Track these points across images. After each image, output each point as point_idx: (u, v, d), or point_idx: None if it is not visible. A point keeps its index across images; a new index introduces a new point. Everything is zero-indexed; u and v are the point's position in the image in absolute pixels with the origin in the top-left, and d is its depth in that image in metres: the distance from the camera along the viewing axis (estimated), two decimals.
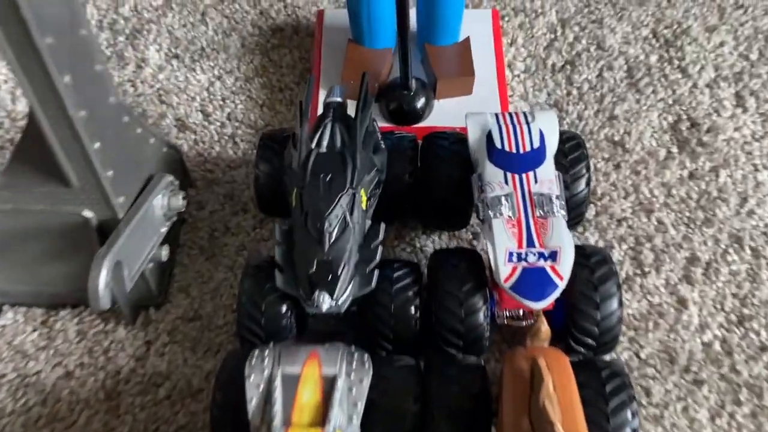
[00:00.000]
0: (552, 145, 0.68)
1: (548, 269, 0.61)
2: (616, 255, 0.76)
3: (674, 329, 0.71)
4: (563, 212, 0.64)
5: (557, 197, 0.64)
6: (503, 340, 0.72)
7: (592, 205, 0.80)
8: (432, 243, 0.78)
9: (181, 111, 0.89)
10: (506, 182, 0.65)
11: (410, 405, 0.58)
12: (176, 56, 0.94)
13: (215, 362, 0.70)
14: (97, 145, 0.57)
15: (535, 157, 0.66)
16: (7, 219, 0.63)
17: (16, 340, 0.72)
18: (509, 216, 0.64)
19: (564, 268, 0.61)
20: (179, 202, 0.70)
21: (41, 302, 0.73)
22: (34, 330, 0.73)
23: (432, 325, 0.64)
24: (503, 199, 0.64)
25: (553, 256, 0.62)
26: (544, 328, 0.57)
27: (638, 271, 0.75)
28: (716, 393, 0.67)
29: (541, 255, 0.62)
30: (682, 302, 0.73)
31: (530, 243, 0.62)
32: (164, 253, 0.69)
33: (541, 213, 0.64)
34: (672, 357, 0.70)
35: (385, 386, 0.59)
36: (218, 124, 0.88)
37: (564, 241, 0.62)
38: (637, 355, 0.70)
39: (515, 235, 0.63)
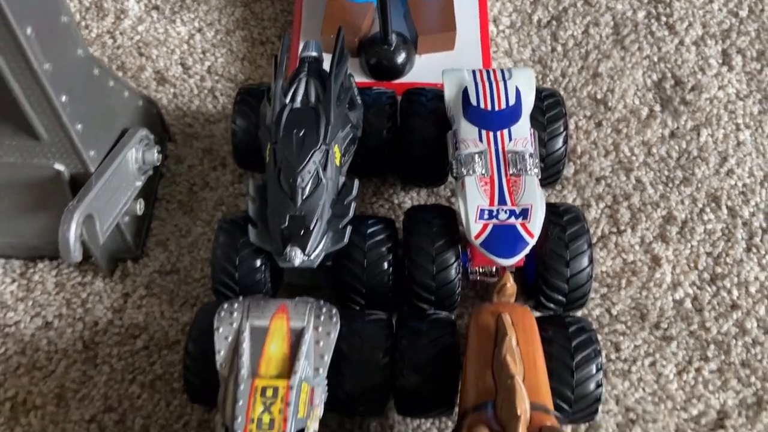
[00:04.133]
0: (528, 103, 0.68)
1: (519, 227, 0.61)
2: (593, 213, 0.77)
3: (647, 287, 0.72)
4: (536, 170, 0.64)
5: (531, 155, 0.64)
6: (477, 296, 0.73)
7: (571, 164, 0.80)
8: (410, 200, 0.78)
9: (160, 64, 0.88)
10: (480, 140, 0.65)
11: (380, 358, 0.59)
12: (156, 7, 0.93)
13: (192, 315, 0.71)
14: (63, 98, 0.56)
15: (511, 115, 0.66)
16: None
17: None
18: (482, 174, 0.64)
19: (534, 225, 0.61)
20: (154, 156, 0.70)
21: (19, 254, 0.74)
22: (13, 281, 0.73)
23: (405, 280, 0.65)
24: (477, 156, 0.64)
25: (524, 213, 0.62)
26: (510, 284, 0.58)
27: (614, 230, 0.76)
28: (684, 349, 0.69)
29: (512, 213, 0.62)
30: (656, 260, 0.74)
31: (502, 201, 0.62)
32: (139, 206, 0.69)
33: (514, 171, 0.63)
34: (643, 314, 0.71)
35: (356, 340, 0.60)
36: (198, 77, 0.88)
37: (536, 199, 0.62)
38: (609, 312, 0.71)
39: (487, 193, 0.63)
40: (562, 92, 0.85)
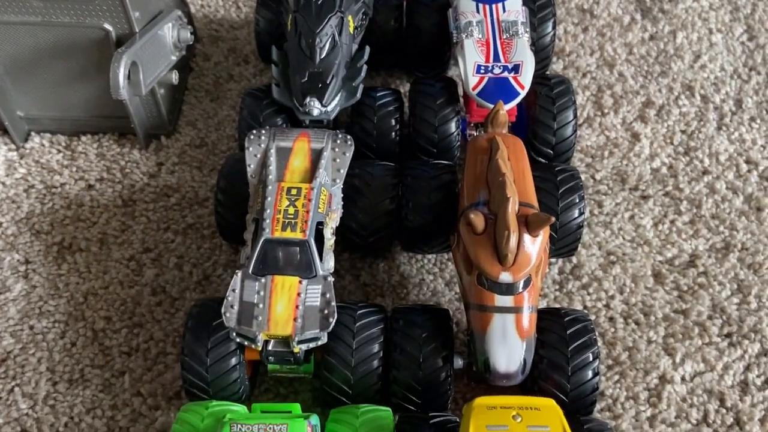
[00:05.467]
0: None
1: (511, 79, 0.70)
2: (579, 99, 0.85)
3: (627, 157, 0.80)
4: (527, 35, 0.73)
5: (522, 23, 0.73)
6: None
7: (560, 61, 0.89)
8: None
9: None
10: (478, 11, 0.74)
11: (388, 192, 0.67)
12: None
13: None
14: None
15: None
16: (36, 34, 0.72)
17: (43, 159, 0.81)
18: (479, 37, 0.72)
19: (525, 78, 0.70)
20: (187, 34, 0.78)
21: (64, 129, 0.82)
22: (59, 152, 0.82)
23: (410, 136, 0.74)
24: (474, 23, 0.73)
25: (516, 68, 0.70)
26: (502, 112, 0.66)
27: (598, 113, 0.84)
28: (660, 205, 0.76)
29: (505, 68, 0.70)
30: (636, 137, 0.82)
31: (496, 58, 0.71)
32: (174, 76, 0.78)
33: (507, 36, 0.72)
34: (623, 178, 0.79)
35: (368, 177, 0.68)
36: None
37: (526, 57, 0.71)
38: (593, 177, 0.79)
39: (483, 52, 0.71)
40: None
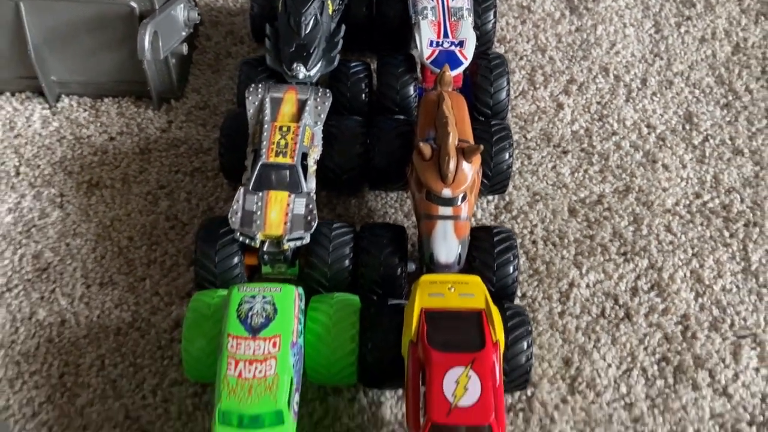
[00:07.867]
0: None
1: (457, 52, 0.88)
2: (516, 77, 1.04)
3: (552, 121, 0.99)
4: (471, 19, 0.91)
5: (467, 9, 0.92)
6: None
7: (502, 46, 1.08)
8: None
9: None
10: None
11: (358, 137, 0.85)
12: None
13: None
14: None
15: None
16: (72, 10, 0.89)
17: (72, 116, 0.97)
18: (432, 19, 0.91)
19: (468, 51, 0.89)
20: (195, 14, 0.96)
21: (89, 92, 0.98)
22: (85, 110, 0.98)
23: (378, 99, 0.91)
24: (429, 8, 0.91)
25: (461, 44, 0.89)
26: (448, 73, 0.84)
27: (531, 88, 1.03)
28: (577, 158, 0.95)
29: (453, 43, 0.89)
30: (560, 106, 1.01)
31: (446, 35, 0.89)
32: (185, 48, 0.95)
33: (455, 18, 0.91)
34: (548, 138, 0.97)
35: (342, 126, 0.86)
36: None
37: (469, 35, 0.90)
38: (525, 137, 0.98)
39: (435, 31, 0.90)
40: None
